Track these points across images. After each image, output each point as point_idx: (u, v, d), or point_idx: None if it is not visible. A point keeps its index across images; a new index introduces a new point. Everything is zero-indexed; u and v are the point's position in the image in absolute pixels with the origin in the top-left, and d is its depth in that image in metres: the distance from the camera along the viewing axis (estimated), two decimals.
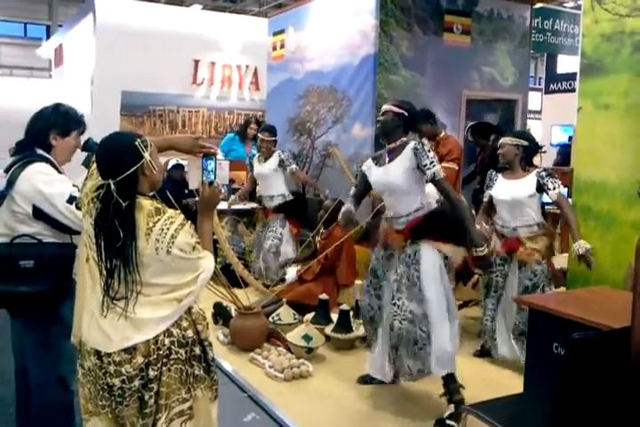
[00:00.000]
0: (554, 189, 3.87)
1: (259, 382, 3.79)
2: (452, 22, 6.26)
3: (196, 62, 10.89)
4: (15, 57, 22.37)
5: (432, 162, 3.28)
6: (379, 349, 3.55)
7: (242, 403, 3.55)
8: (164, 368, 1.86)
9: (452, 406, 3.30)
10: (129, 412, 1.86)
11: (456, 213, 3.31)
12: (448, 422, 3.25)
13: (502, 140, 4.12)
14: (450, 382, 3.36)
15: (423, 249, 3.35)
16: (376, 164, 3.53)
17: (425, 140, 3.44)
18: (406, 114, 3.43)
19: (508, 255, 4.04)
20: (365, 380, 3.79)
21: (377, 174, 3.50)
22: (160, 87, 10.41)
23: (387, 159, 3.46)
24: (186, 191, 6.36)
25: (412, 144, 3.33)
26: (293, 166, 5.89)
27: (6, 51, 22.55)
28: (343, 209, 3.65)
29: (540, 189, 3.91)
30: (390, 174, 3.40)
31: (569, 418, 2.08)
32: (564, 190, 6.35)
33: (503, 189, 4.04)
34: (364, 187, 3.65)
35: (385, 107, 3.49)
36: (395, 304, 3.35)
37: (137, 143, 1.86)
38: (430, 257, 3.36)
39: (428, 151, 3.30)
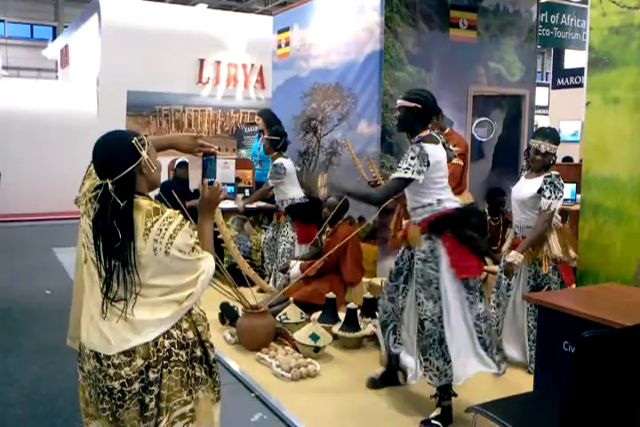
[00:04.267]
0: (548, 198, 3.74)
1: (266, 382, 3.77)
2: (457, 18, 6.20)
3: (202, 61, 10.90)
4: (22, 58, 22.49)
5: (405, 166, 3.13)
6: (407, 350, 3.46)
7: (249, 403, 3.54)
8: (164, 371, 1.83)
9: (439, 408, 3.25)
10: (130, 415, 1.83)
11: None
12: (434, 422, 3.20)
13: (541, 145, 3.83)
14: (445, 388, 3.27)
15: (441, 246, 3.20)
16: None
17: (424, 144, 3.19)
18: (420, 106, 3.25)
19: None
20: (375, 383, 3.69)
21: None
22: (166, 87, 10.43)
23: None
24: (192, 190, 6.34)
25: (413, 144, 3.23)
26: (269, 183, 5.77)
27: (13, 52, 22.64)
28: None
29: (540, 191, 3.80)
30: None
31: (580, 417, 2.05)
32: (573, 186, 6.34)
33: (518, 187, 4.00)
34: None
35: (398, 101, 3.34)
36: (419, 304, 3.25)
37: (134, 142, 1.83)
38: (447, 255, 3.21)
39: (412, 158, 3.12)
